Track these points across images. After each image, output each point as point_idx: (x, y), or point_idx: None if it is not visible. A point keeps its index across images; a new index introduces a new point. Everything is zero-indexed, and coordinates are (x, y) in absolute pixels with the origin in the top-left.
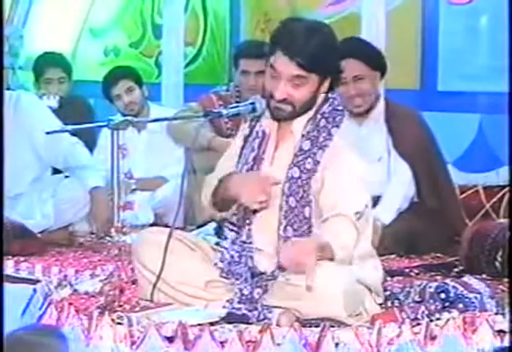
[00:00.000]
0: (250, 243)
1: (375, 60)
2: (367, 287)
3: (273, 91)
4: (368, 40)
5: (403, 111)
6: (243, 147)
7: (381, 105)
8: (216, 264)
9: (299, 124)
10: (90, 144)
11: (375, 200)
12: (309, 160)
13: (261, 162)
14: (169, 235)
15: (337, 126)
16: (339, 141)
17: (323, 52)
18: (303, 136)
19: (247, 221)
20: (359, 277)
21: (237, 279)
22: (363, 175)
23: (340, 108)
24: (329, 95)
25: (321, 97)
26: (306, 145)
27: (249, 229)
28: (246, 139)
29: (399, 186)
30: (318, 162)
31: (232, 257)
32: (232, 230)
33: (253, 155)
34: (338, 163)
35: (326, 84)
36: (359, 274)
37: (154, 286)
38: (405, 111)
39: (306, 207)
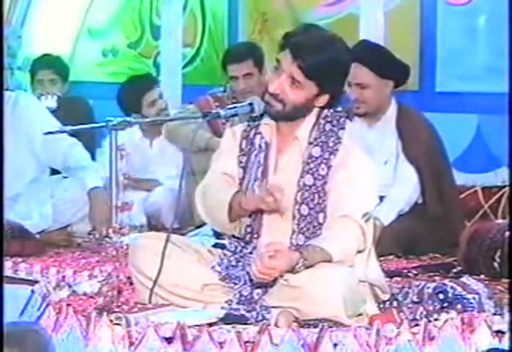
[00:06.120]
0: (252, 253)
1: (384, 69)
2: (371, 287)
3: (270, 82)
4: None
5: (414, 116)
6: (246, 162)
7: (392, 108)
8: (213, 267)
9: (304, 130)
10: (89, 145)
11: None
12: (323, 166)
13: (268, 174)
14: (167, 240)
15: (343, 128)
16: (348, 142)
17: (329, 67)
18: (310, 143)
19: (255, 236)
20: (363, 276)
21: (235, 284)
22: (373, 175)
23: (339, 109)
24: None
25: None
26: (317, 152)
27: (256, 243)
28: (247, 154)
29: (403, 189)
30: (331, 167)
31: (229, 261)
32: (238, 244)
33: (261, 170)
34: (348, 165)
35: (325, 99)
36: (363, 273)
37: (151, 291)
38: (416, 115)
39: (320, 213)
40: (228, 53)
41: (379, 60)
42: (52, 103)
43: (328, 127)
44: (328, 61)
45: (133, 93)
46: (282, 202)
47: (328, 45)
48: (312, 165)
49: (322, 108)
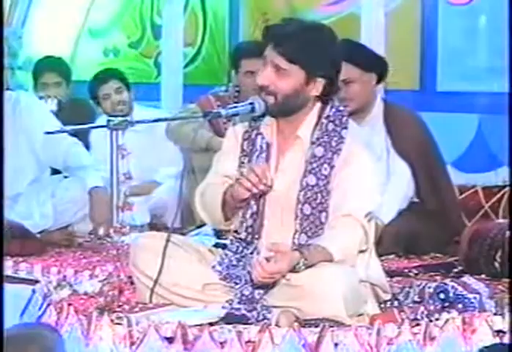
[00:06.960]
0: (253, 253)
1: (365, 62)
2: (372, 287)
3: (258, 77)
4: (366, 41)
5: (401, 112)
6: (248, 162)
7: (378, 106)
8: (214, 267)
9: (306, 130)
10: (90, 145)
11: None
12: (325, 166)
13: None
14: (167, 240)
15: (346, 127)
16: (350, 142)
17: (310, 49)
18: (313, 143)
19: (256, 236)
20: (365, 276)
21: (236, 284)
22: (375, 174)
23: (341, 108)
24: (326, 98)
25: (318, 102)
26: (320, 152)
27: (257, 243)
28: (249, 155)
29: (398, 186)
30: (334, 166)
31: (230, 261)
32: (239, 244)
33: None
34: (351, 165)
35: (318, 86)
36: (365, 273)
37: (152, 291)
38: (403, 111)
39: (323, 212)
40: (246, 47)
41: (358, 53)
42: (52, 106)
43: (330, 126)
44: (309, 43)
45: (91, 86)
46: (266, 183)
47: (308, 30)
48: (314, 165)
49: (319, 98)
